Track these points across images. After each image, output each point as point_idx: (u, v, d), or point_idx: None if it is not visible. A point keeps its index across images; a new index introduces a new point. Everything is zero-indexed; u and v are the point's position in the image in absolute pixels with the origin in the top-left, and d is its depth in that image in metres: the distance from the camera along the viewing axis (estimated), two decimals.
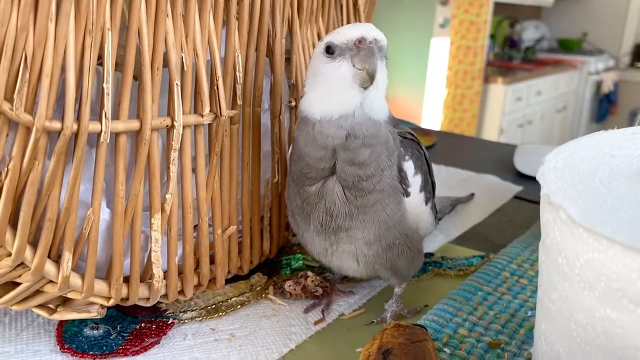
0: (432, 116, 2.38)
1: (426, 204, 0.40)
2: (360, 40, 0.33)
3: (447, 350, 0.36)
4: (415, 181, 0.38)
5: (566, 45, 3.61)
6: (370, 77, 0.33)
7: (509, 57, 3.16)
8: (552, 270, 0.26)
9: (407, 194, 0.37)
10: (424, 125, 2.30)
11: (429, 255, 0.50)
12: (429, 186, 0.40)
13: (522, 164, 0.76)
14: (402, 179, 0.37)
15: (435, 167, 0.76)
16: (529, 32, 3.44)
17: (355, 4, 0.49)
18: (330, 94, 0.34)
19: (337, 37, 0.34)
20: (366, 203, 0.36)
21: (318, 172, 0.36)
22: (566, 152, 0.30)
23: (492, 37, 2.98)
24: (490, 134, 2.66)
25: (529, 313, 0.41)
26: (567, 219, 0.24)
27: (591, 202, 0.24)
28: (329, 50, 0.34)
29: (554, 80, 3.01)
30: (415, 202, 0.38)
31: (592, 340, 0.23)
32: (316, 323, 0.40)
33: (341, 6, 0.47)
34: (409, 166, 0.37)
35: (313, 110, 0.35)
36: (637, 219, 0.23)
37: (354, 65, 0.34)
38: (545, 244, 0.27)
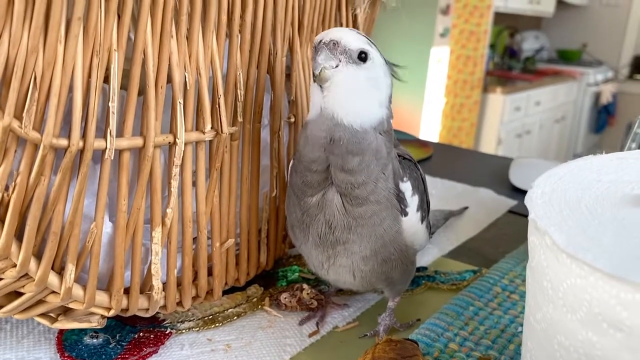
0: (430, 125, 2.39)
1: (422, 222, 0.41)
2: (320, 41, 0.34)
3: None
4: (413, 201, 0.39)
5: (565, 56, 3.64)
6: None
7: (509, 67, 3.18)
8: (538, 292, 0.27)
9: (406, 214, 0.39)
10: (423, 133, 2.31)
11: (423, 269, 0.51)
12: (424, 205, 0.42)
13: (517, 178, 0.77)
14: (401, 199, 0.38)
15: (431, 180, 0.77)
16: (529, 43, 3.47)
17: (354, 22, 0.50)
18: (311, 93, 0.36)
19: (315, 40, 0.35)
20: (363, 214, 0.37)
21: (314, 176, 0.36)
22: (555, 177, 0.31)
23: (492, 46, 3.00)
24: (489, 143, 2.67)
25: (519, 329, 0.42)
26: (552, 244, 0.25)
27: (576, 228, 0.25)
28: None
29: (553, 90, 3.03)
30: (412, 222, 0.39)
31: None
32: (310, 335, 0.41)
33: (341, 24, 0.49)
34: (406, 187, 0.39)
35: (310, 111, 0.37)
36: (618, 246, 0.24)
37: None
38: (532, 266, 0.28)
